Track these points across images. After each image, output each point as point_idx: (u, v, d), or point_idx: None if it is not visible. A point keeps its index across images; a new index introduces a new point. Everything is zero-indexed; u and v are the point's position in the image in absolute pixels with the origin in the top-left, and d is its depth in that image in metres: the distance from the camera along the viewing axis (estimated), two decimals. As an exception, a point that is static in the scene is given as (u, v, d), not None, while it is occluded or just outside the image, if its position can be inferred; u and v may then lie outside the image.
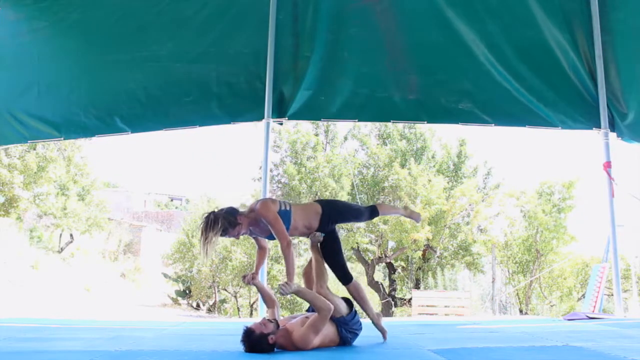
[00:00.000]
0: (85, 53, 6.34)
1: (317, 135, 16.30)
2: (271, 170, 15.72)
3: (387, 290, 15.75)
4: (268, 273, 14.50)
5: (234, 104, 6.49)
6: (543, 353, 3.32)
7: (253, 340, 3.22)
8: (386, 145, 16.52)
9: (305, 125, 16.27)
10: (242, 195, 17.44)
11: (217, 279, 18.30)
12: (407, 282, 15.95)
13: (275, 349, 3.31)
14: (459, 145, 16.56)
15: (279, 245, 3.52)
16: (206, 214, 3.53)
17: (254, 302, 17.47)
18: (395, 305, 15.32)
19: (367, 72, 6.51)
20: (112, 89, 6.36)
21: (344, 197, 14.77)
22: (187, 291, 19.54)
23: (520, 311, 15.00)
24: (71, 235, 18.79)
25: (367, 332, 3.70)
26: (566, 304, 14.64)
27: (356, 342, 3.59)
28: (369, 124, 16.51)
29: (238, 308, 18.64)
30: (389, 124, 16.21)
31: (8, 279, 13.85)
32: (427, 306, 11.91)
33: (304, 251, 15.62)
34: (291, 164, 15.44)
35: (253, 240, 3.89)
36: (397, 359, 3.26)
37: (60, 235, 18.89)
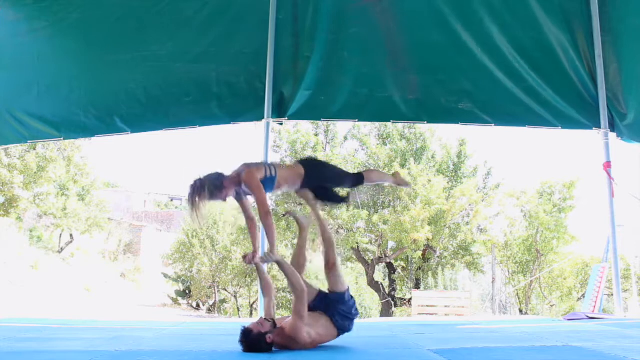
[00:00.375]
0: (85, 53, 6.34)
1: (317, 135, 16.29)
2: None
3: (387, 290, 15.75)
4: (268, 272, 14.47)
5: (234, 104, 6.48)
6: (543, 353, 3.32)
7: (251, 339, 3.22)
8: (386, 145, 16.51)
9: (305, 125, 16.26)
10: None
11: (217, 279, 18.31)
12: (407, 282, 15.95)
13: (275, 349, 3.31)
14: (459, 145, 16.55)
15: (258, 213, 3.54)
16: (192, 182, 3.52)
17: (254, 302, 17.48)
18: (395, 305, 15.32)
19: (367, 72, 6.51)
20: (112, 89, 6.36)
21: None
22: (187, 291, 19.55)
23: (520, 311, 15.00)
24: (71, 235, 18.80)
25: (368, 332, 3.69)
26: (566, 304, 14.65)
27: (356, 342, 3.58)
28: (369, 124, 16.49)
29: (238, 308, 18.64)
30: (389, 124, 16.20)
31: (8, 279, 13.85)
32: (427, 306, 11.92)
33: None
34: (291, 164, 15.40)
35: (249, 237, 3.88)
36: (397, 359, 3.26)
37: (60, 235, 18.90)
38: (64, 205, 17.14)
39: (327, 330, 3.43)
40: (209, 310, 18.90)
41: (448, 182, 15.40)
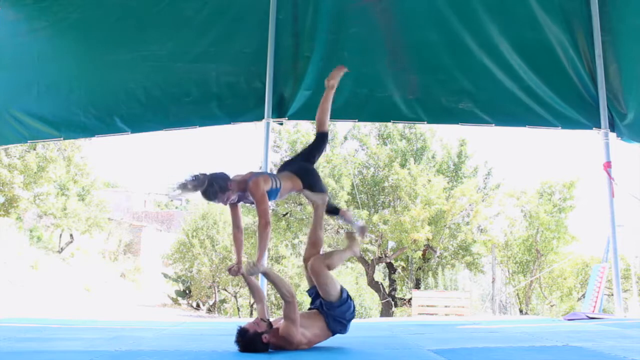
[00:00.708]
0: (85, 53, 6.34)
1: (317, 135, 16.27)
2: (271, 170, 15.72)
3: (387, 290, 15.76)
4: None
5: (234, 104, 6.48)
6: (543, 353, 3.32)
7: (247, 339, 3.22)
8: (386, 145, 16.51)
9: (305, 125, 16.25)
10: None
11: (217, 279, 18.32)
12: (407, 282, 15.95)
13: (271, 350, 3.30)
14: (459, 145, 16.55)
15: (258, 222, 3.53)
16: (197, 173, 3.50)
17: (254, 302, 17.47)
18: (395, 305, 15.33)
19: (367, 72, 6.50)
20: (112, 89, 6.35)
21: (343, 197, 14.78)
22: (187, 291, 19.56)
23: (520, 311, 15.01)
24: (71, 235, 18.80)
25: (368, 332, 3.69)
26: (566, 304, 14.66)
27: (356, 342, 3.58)
28: (369, 124, 16.50)
29: (238, 308, 18.65)
30: (389, 124, 16.20)
31: (8, 279, 13.85)
32: (427, 306, 11.92)
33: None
34: (291, 164, 15.40)
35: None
36: (397, 359, 3.26)
37: (60, 235, 18.91)
38: (64, 205, 17.14)
39: (322, 331, 3.43)
40: (209, 310, 18.91)
41: (448, 182, 15.40)
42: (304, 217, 14.92)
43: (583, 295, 12.95)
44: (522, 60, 6.37)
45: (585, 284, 13.58)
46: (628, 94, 6.26)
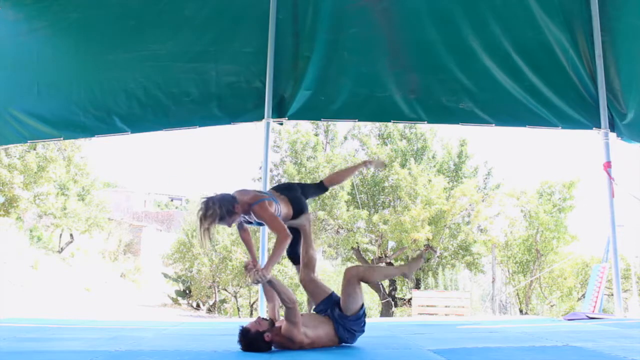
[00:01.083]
0: (84, 53, 6.34)
1: (317, 135, 16.29)
2: (271, 170, 15.73)
3: (387, 290, 15.76)
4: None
5: (234, 104, 6.47)
6: (543, 353, 3.32)
7: (249, 338, 3.23)
8: (386, 145, 16.52)
9: (305, 125, 16.27)
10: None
11: (217, 279, 18.31)
12: (407, 282, 15.95)
13: (274, 348, 3.31)
14: (460, 145, 16.57)
15: (277, 237, 3.54)
16: (204, 200, 3.53)
17: (254, 302, 17.48)
18: (395, 305, 15.33)
19: (367, 71, 6.51)
20: (112, 89, 6.35)
21: (344, 197, 14.78)
22: (187, 291, 19.55)
23: (520, 311, 15.00)
24: (71, 235, 18.80)
25: (368, 332, 3.69)
26: (566, 304, 14.65)
27: (356, 342, 3.58)
28: (369, 124, 16.51)
29: (238, 308, 18.64)
30: (389, 124, 16.21)
31: (8, 279, 13.85)
32: (427, 306, 11.91)
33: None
34: (291, 164, 15.44)
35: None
36: (397, 359, 3.26)
37: (60, 235, 18.90)
38: (64, 205, 17.13)
39: (328, 336, 3.44)
40: (209, 310, 18.90)
41: (448, 182, 15.41)
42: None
43: (583, 295, 12.95)
44: (522, 60, 6.38)
45: (585, 284, 13.58)
46: (628, 93, 6.25)
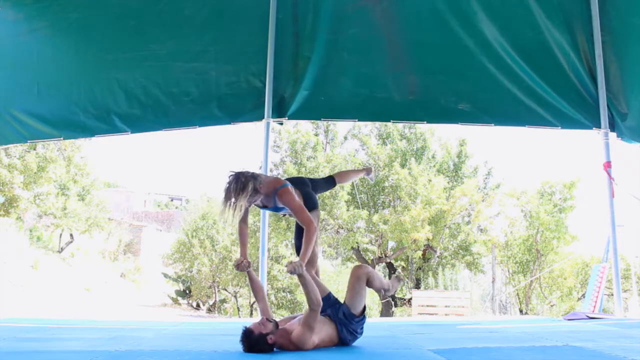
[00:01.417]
0: (84, 52, 6.33)
1: (317, 135, 16.30)
2: (271, 170, 15.72)
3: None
4: (268, 273, 14.49)
5: (234, 104, 6.47)
6: (543, 353, 3.32)
7: (252, 340, 3.22)
8: (386, 145, 16.52)
9: (305, 125, 16.27)
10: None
11: (217, 279, 18.31)
12: (407, 282, 15.95)
13: (275, 349, 3.31)
14: (460, 145, 16.57)
15: (306, 228, 3.55)
16: (234, 173, 3.49)
17: (254, 302, 17.48)
18: (395, 305, 15.32)
19: (367, 72, 6.50)
20: (111, 89, 6.34)
21: (344, 197, 14.78)
22: (187, 291, 19.56)
23: (520, 311, 15.00)
24: (71, 235, 18.81)
25: (368, 332, 3.69)
26: (566, 304, 14.65)
27: (356, 342, 3.58)
28: (369, 124, 16.52)
29: (238, 308, 18.65)
30: (389, 124, 16.21)
31: (8, 279, 13.85)
32: (427, 306, 11.92)
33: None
34: (291, 164, 15.44)
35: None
36: (397, 359, 3.26)
37: (60, 235, 18.91)
38: (64, 205, 17.13)
39: (330, 338, 3.44)
40: (209, 310, 18.91)
41: (448, 182, 15.41)
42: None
43: (583, 295, 12.95)
44: (522, 61, 6.37)
45: (585, 284, 13.58)
46: (629, 93, 6.25)
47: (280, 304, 17.52)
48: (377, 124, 16.35)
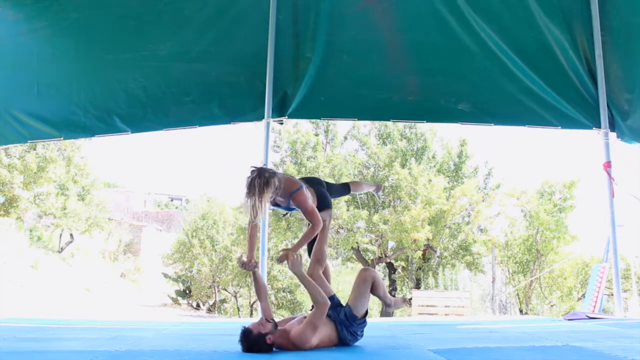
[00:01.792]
0: (84, 52, 6.33)
1: (317, 135, 16.30)
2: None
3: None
4: (268, 273, 14.50)
5: (234, 104, 6.47)
6: (543, 353, 3.32)
7: (251, 340, 3.22)
8: (386, 145, 16.52)
9: (305, 125, 16.28)
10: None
11: (217, 279, 18.32)
12: (407, 282, 15.95)
13: (275, 349, 3.31)
14: (460, 145, 16.57)
15: (312, 225, 3.64)
16: (258, 168, 3.49)
17: (254, 302, 17.48)
18: (396, 305, 15.29)
19: (367, 73, 6.50)
20: (112, 89, 6.34)
21: (344, 197, 14.78)
22: (187, 291, 19.56)
23: (520, 311, 15.00)
24: (71, 235, 18.81)
25: (368, 332, 3.69)
26: (566, 304, 14.65)
27: (356, 342, 3.58)
28: (369, 124, 16.53)
29: (238, 308, 18.65)
30: (389, 124, 16.22)
31: (8, 279, 13.85)
32: (427, 306, 11.92)
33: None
34: (291, 164, 15.45)
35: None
36: (397, 359, 3.26)
37: (60, 235, 18.91)
38: (64, 205, 17.14)
39: (330, 338, 3.44)
40: (209, 310, 18.91)
41: (449, 182, 15.41)
42: (304, 217, 14.92)
43: (583, 295, 12.96)
44: (522, 61, 6.37)
45: (585, 284, 13.58)
46: (629, 93, 6.25)
47: (281, 304, 17.52)
48: (377, 124, 16.37)
